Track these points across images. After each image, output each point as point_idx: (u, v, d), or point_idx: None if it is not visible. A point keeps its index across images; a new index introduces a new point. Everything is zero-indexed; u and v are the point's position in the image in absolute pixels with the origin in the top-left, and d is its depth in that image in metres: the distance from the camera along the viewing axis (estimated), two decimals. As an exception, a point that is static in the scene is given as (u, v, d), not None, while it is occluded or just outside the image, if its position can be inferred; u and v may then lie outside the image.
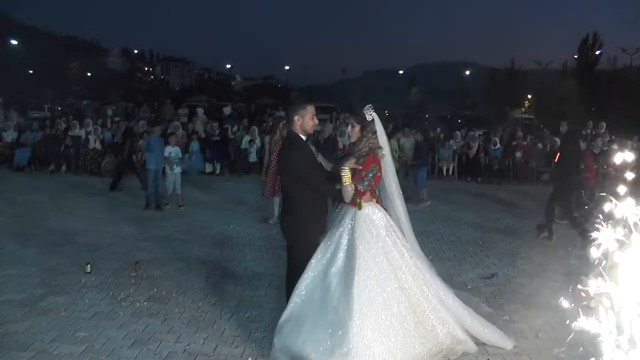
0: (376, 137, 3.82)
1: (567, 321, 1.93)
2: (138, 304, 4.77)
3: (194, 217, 8.62)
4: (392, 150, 4.45)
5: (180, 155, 9.64)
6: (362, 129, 3.82)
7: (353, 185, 3.66)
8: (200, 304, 4.83)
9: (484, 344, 3.92)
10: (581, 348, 2.08)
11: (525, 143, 14.52)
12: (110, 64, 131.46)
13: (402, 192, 4.15)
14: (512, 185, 13.39)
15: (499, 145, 14.21)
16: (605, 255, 1.88)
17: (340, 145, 13.44)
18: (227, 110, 24.25)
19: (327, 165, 4.05)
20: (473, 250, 6.97)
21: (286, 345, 3.54)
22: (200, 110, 18.81)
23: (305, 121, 3.87)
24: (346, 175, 3.63)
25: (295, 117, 3.87)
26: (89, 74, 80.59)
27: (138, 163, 10.68)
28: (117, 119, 17.62)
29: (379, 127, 3.84)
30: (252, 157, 13.69)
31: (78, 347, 3.90)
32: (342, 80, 66.91)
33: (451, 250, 6.93)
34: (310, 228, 3.87)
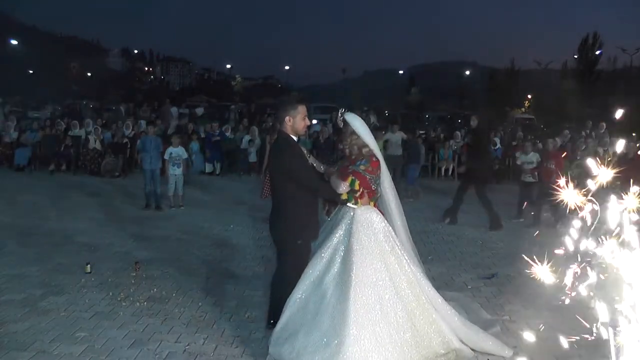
0: (358, 137, 3.84)
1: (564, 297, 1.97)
2: (138, 304, 4.78)
3: (194, 217, 8.62)
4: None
5: (185, 156, 9.35)
6: (343, 133, 3.92)
7: (347, 185, 3.70)
8: (200, 304, 4.83)
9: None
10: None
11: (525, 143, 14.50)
12: (110, 64, 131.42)
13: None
14: (512, 185, 13.38)
15: (499, 145, 14.19)
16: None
17: (341, 145, 13.41)
18: (199, 110, 24.07)
19: (319, 167, 4.03)
20: (473, 250, 6.97)
21: (281, 355, 3.50)
22: (199, 110, 18.69)
23: (297, 122, 3.83)
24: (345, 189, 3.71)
25: (287, 118, 3.82)
26: (89, 74, 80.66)
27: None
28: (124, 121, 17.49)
29: (360, 127, 3.84)
30: (252, 157, 13.71)
31: (78, 347, 3.91)
32: (342, 80, 66.80)
33: (451, 250, 6.93)
34: (300, 232, 3.80)
